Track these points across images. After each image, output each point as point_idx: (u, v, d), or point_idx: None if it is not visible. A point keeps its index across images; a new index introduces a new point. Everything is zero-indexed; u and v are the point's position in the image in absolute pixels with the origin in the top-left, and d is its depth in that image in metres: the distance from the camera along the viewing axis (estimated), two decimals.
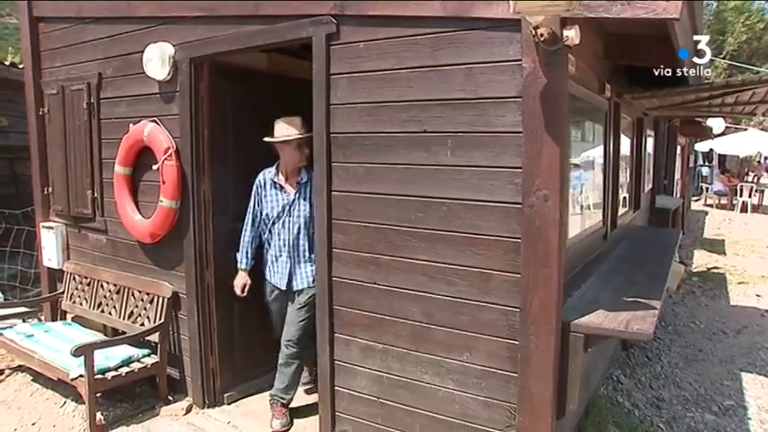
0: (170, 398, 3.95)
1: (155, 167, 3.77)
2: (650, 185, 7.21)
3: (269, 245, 3.69)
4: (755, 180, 21.97)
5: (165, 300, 3.89)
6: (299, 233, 3.60)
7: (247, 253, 3.72)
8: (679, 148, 11.63)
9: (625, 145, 4.84)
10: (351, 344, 3.16)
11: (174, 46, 3.69)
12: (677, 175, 11.58)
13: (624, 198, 5.00)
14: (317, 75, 3.11)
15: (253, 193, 3.67)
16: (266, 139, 3.55)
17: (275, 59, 4.20)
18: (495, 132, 2.59)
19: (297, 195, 3.60)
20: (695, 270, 8.73)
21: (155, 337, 3.88)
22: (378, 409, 3.10)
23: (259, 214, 3.68)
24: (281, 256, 3.63)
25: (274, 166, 3.65)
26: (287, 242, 3.62)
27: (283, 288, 3.65)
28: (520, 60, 2.49)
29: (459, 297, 2.76)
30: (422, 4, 2.77)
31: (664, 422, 3.90)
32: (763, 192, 19.10)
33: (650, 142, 6.85)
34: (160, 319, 3.89)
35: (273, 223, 3.63)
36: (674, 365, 4.86)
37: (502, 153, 2.57)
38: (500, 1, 2.45)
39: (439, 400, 2.90)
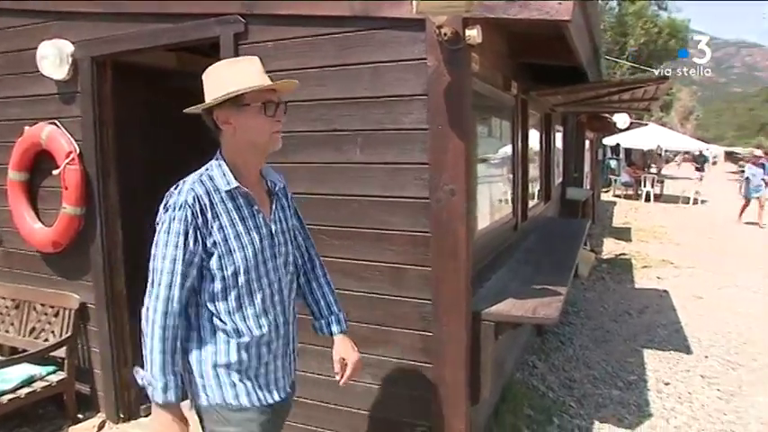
0: (79, 416, 3.75)
1: (55, 172, 3.56)
2: (560, 178, 7.58)
3: (238, 328, 1.80)
4: (657, 171, 23.56)
5: (72, 312, 3.70)
6: (291, 284, 2.00)
7: (174, 366, 1.74)
8: (588, 142, 12.26)
9: (534, 140, 5.07)
10: None
11: (72, 44, 3.51)
12: (586, 168, 12.22)
13: (535, 191, 5.24)
14: None
15: (174, 230, 1.71)
16: (220, 97, 1.75)
17: (184, 59, 4.11)
18: (402, 129, 2.65)
19: (277, 213, 1.98)
20: (605, 257, 9.25)
21: (61, 353, 3.66)
22: (297, 408, 3.08)
23: (206, 270, 1.77)
24: (276, 339, 1.89)
25: (214, 166, 1.86)
26: (283, 306, 1.92)
27: (284, 396, 1.96)
28: (425, 59, 2.56)
29: (372, 292, 2.80)
30: (330, 4, 2.79)
31: (575, 401, 4.11)
32: (662, 182, 20.50)
33: (559, 137, 7.20)
34: (67, 332, 3.68)
35: (250, 278, 1.80)
36: (585, 347, 5.14)
37: (409, 150, 2.63)
38: (406, 1, 2.51)
39: (358, 395, 2.93)
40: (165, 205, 1.76)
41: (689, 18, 29.50)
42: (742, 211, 14.32)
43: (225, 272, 1.75)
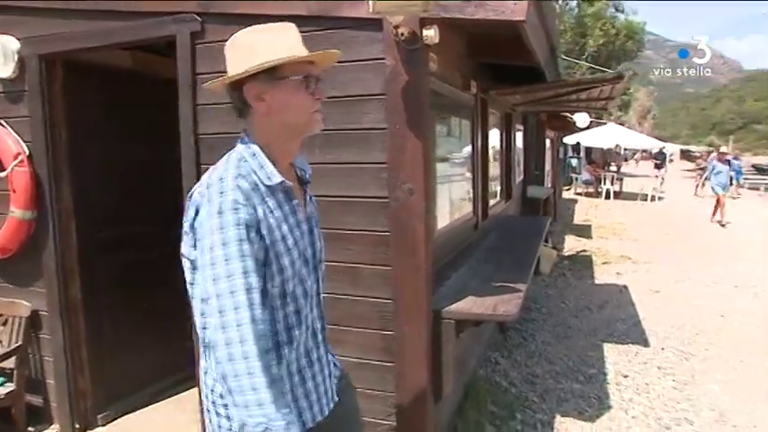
0: (30, 429, 3.61)
1: (2, 175, 3.44)
2: (521, 176, 7.69)
3: (279, 340, 1.50)
4: (617, 169, 24.15)
5: (23, 320, 3.56)
6: (323, 284, 1.77)
7: (285, 396, 1.48)
8: (548, 141, 12.48)
9: (494, 139, 5.13)
10: None
11: (18, 40, 3.39)
12: (547, 167, 12.44)
13: (496, 189, 5.30)
14: (182, 74, 3.00)
15: (233, 238, 1.37)
16: (254, 66, 1.47)
17: (140, 58, 4.01)
18: (361, 129, 2.65)
19: (310, 206, 1.75)
20: (566, 254, 9.42)
21: (10, 363, 3.51)
22: None
23: (270, 277, 1.45)
24: (317, 347, 1.66)
25: (247, 155, 1.52)
26: (320, 310, 1.71)
27: (327, 412, 1.66)
28: (383, 59, 2.57)
29: (332, 293, 2.77)
30: (287, 4, 2.76)
31: (537, 396, 4.18)
32: (621, 179, 21.02)
33: (520, 136, 7.30)
34: (16, 341, 3.54)
35: (295, 283, 1.52)
36: (547, 343, 5.22)
37: (368, 149, 2.63)
38: (363, 1, 2.51)
39: None
40: (210, 215, 1.38)
41: (645, 21, 30.28)
42: (716, 210, 14.04)
43: (272, 281, 1.44)
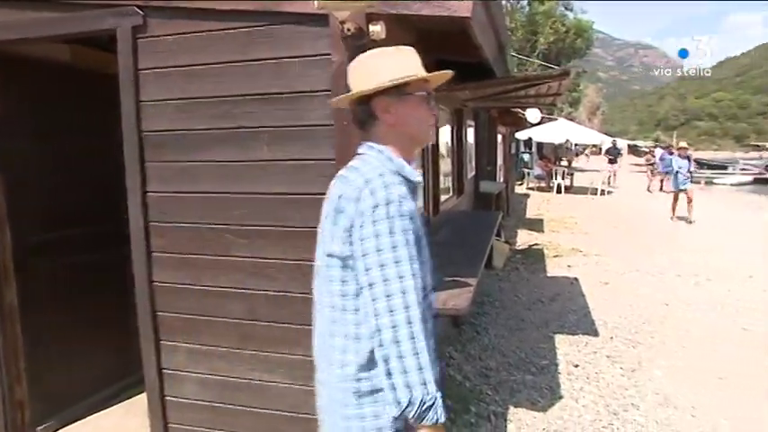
0: None
1: None
2: (473, 172, 7.78)
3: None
4: (568, 164, 24.75)
5: None
6: None
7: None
8: (500, 136, 12.68)
9: (445, 135, 5.16)
10: (177, 350, 3.02)
11: None
12: (500, 162, 12.62)
13: (447, 185, 5.35)
14: (123, 69, 2.92)
15: (399, 227, 1.46)
16: (387, 82, 1.59)
17: (79, 52, 3.86)
18: (308, 126, 2.63)
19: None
20: (519, 248, 9.59)
21: None
22: (209, 413, 3.01)
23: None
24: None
25: (383, 160, 1.62)
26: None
27: None
28: (329, 54, 2.55)
29: (280, 291, 2.77)
30: None
31: (491, 388, 4.24)
32: (572, 174, 21.55)
33: (471, 132, 7.38)
34: None
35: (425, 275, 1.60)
36: (500, 336, 5.31)
37: (315, 146, 2.62)
38: None
39: (271, 396, 2.89)
40: (375, 206, 1.45)
41: (593, 20, 31.11)
42: (674, 207, 13.81)
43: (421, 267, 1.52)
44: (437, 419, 1.44)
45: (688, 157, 14.12)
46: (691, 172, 13.99)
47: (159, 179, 2.93)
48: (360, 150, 1.69)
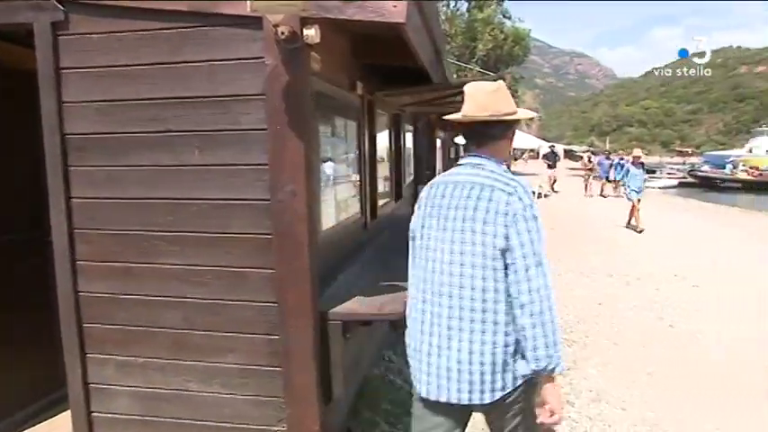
0: None
1: None
2: (412, 176, 7.83)
3: None
4: (506, 167, 25.33)
5: None
6: None
7: None
8: (439, 141, 12.82)
9: (383, 139, 5.18)
10: (106, 363, 2.90)
11: None
12: (439, 166, 12.76)
13: (385, 189, 5.36)
14: (43, 68, 2.77)
15: (539, 214, 2.02)
16: (525, 117, 2.49)
17: None
18: (241, 130, 2.58)
19: None
20: None
21: None
22: (141, 428, 2.90)
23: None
24: None
25: (503, 167, 2.14)
26: None
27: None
28: (262, 58, 2.51)
29: (216, 298, 2.70)
30: None
31: None
32: None
33: (409, 137, 7.43)
34: None
35: None
36: None
37: (248, 150, 2.57)
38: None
39: (207, 406, 2.82)
40: (525, 199, 2.00)
41: (530, 27, 32.03)
42: (636, 216, 13.04)
43: None
44: (561, 368, 2.02)
45: (642, 165, 13.46)
46: (644, 180, 13.45)
47: (84, 184, 2.80)
48: (475, 160, 2.17)
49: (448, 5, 29.71)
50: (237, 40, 2.57)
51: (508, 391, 2.01)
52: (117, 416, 2.92)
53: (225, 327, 2.71)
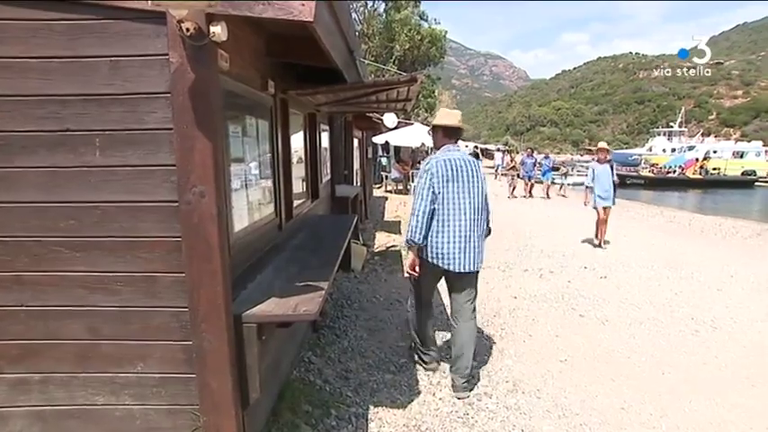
0: None
1: None
2: (329, 176, 7.81)
3: None
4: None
5: None
6: None
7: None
8: (356, 141, 12.83)
9: (297, 139, 5.13)
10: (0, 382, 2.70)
11: None
12: (356, 166, 12.78)
13: (301, 189, 5.32)
14: None
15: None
16: (457, 124, 4.31)
17: None
18: (146, 130, 2.48)
19: None
20: (377, 250, 9.78)
21: None
22: None
23: None
24: None
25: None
26: None
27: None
28: (167, 54, 2.42)
29: (125, 306, 2.59)
30: None
31: (351, 390, 4.27)
32: None
33: (325, 136, 7.40)
34: None
35: None
36: (360, 338, 5.37)
37: (155, 151, 2.48)
38: None
39: (117, 420, 2.70)
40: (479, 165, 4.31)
41: (446, 29, 32.67)
42: (602, 230, 10.60)
43: None
44: None
45: (610, 164, 10.26)
46: (615, 183, 10.18)
47: None
48: (452, 147, 4.19)
49: (365, 6, 29.86)
50: (141, 36, 2.47)
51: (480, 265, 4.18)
52: None
53: (135, 335, 2.60)
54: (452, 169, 3.97)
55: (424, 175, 3.99)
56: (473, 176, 4.04)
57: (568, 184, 25.80)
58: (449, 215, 3.95)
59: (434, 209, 3.95)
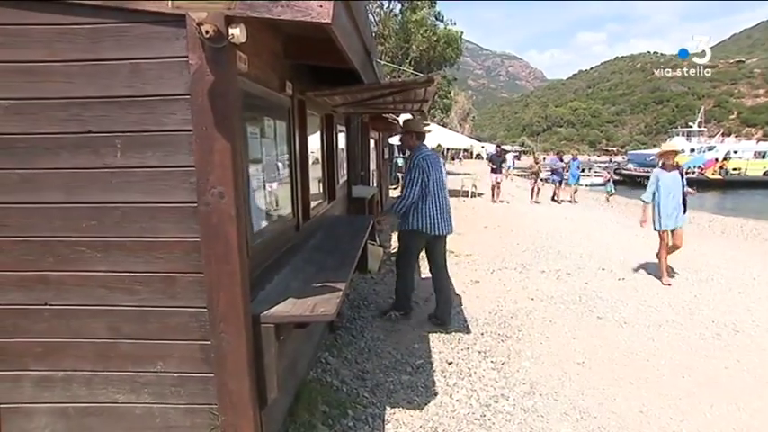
0: None
1: None
2: (345, 177, 7.82)
3: None
4: None
5: None
6: None
7: None
8: (373, 142, 12.83)
9: (314, 140, 5.15)
10: (21, 379, 2.74)
11: None
12: (373, 166, 12.78)
13: (318, 190, 5.34)
14: None
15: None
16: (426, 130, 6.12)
17: None
18: (166, 131, 2.51)
19: None
20: (394, 251, 9.77)
21: None
22: None
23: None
24: None
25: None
26: None
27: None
28: (187, 57, 2.44)
29: (144, 305, 2.62)
30: None
31: (368, 391, 4.28)
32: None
33: (342, 137, 7.42)
34: None
35: None
36: (376, 339, 5.38)
37: (174, 152, 2.50)
38: None
39: (137, 418, 2.73)
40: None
41: (462, 30, 32.61)
42: (663, 264, 7.84)
43: None
44: None
45: (680, 171, 7.71)
46: (685, 196, 7.67)
47: None
48: (424, 146, 5.69)
49: (382, 6, 29.90)
50: (160, 38, 2.49)
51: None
52: None
53: (155, 334, 2.63)
54: (434, 162, 5.47)
55: (417, 168, 5.36)
56: (442, 166, 5.62)
57: (586, 185, 25.31)
58: (436, 195, 5.45)
59: (426, 192, 5.42)
